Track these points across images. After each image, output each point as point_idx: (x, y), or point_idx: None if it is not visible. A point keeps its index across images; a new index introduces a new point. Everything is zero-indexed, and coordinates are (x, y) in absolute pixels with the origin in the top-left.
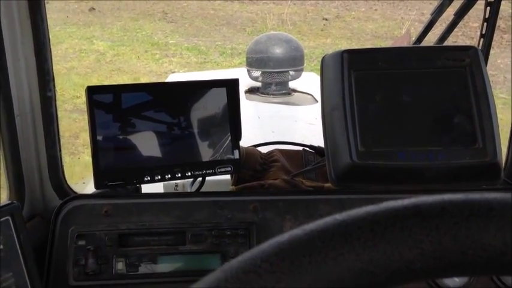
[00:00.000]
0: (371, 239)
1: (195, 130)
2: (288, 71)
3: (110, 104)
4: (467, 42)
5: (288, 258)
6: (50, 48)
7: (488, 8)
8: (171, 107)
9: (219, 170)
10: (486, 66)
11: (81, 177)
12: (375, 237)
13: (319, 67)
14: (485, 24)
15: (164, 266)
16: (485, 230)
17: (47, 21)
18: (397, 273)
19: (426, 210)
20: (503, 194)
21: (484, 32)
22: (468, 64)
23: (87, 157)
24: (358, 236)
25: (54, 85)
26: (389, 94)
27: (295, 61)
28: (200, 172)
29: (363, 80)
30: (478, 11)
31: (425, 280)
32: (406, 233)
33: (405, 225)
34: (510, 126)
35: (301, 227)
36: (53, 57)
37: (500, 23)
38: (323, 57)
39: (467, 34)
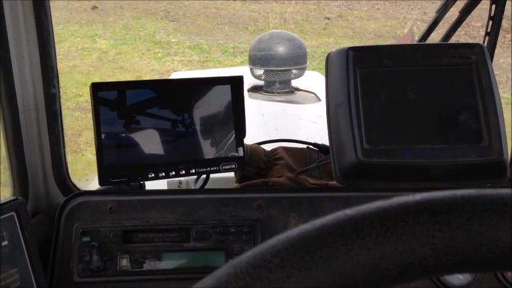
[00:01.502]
0: (382, 234)
1: (200, 127)
2: (291, 70)
3: (115, 101)
4: (471, 42)
5: (298, 253)
6: (54, 45)
7: (494, 6)
8: (175, 104)
9: (223, 167)
10: (492, 63)
11: (83, 175)
12: (386, 233)
13: (321, 66)
14: (490, 22)
15: (168, 263)
16: (498, 225)
17: (51, 18)
18: (409, 269)
19: (438, 206)
20: None
21: (489, 30)
22: (474, 61)
23: (89, 155)
24: (370, 231)
25: (58, 82)
26: (394, 91)
27: (298, 59)
28: (204, 169)
29: (368, 77)
30: (481, 11)
31: (434, 277)
32: (417, 228)
33: (417, 221)
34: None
35: (311, 222)
36: (56, 54)
37: (502, 22)
38: (328, 55)
39: (470, 34)
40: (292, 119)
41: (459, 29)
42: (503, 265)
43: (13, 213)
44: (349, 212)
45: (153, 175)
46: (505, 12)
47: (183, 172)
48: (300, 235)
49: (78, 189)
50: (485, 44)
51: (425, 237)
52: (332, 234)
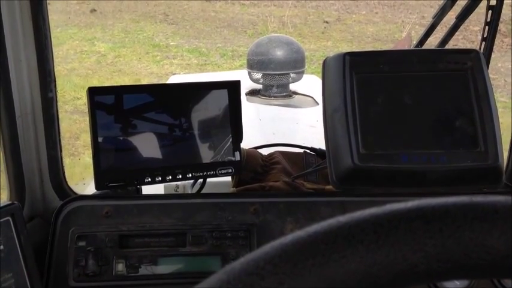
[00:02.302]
0: (374, 241)
1: (196, 131)
2: (289, 73)
3: (112, 105)
4: (468, 46)
5: (291, 260)
6: (52, 49)
7: (490, 12)
8: (172, 108)
9: (220, 172)
10: (488, 69)
11: (81, 179)
12: (378, 240)
13: (319, 70)
14: (486, 27)
15: (164, 268)
16: (489, 233)
17: (48, 22)
18: (401, 276)
19: (430, 213)
20: (507, 197)
21: (485, 35)
22: (470, 67)
23: (87, 158)
24: (362, 239)
25: (55, 86)
26: (391, 97)
27: (296, 63)
28: (201, 173)
29: (365, 82)
30: (478, 15)
31: (426, 284)
32: (409, 235)
33: (409, 228)
34: (511, 130)
35: (304, 229)
36: (54, 58)
37: (500, 26)
38: (325, 60)
39: (468, 38)
40: (289, 123)
41: (457, 33)
42: (494, 272)
43: (9, 217)
44: (342, 219)
45: (149, 179)
46: (503, 17)
47: (180, 176)
48: (293, 242)
49: (75, 193)
50: (482, 49)
51: (417, 244)
52: (324, 241)
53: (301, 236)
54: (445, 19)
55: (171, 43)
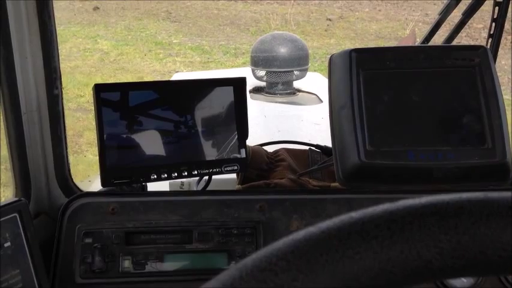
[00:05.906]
0: (388, 237)
1: (202, 129)
2: (293, 71)
3: (117, 102)
4: (471, 44)
5: (304, 256)
6: (57, 46)
7: (497, 8)
8: (178, 105)
9: (225, 169)
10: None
11: (85, 176)
12: (392, 236)
13: (322, 67)
14: (493, 24)
15: (171, 265)
16: (505, 229)
17: (54, 19)
18: (415, 273)
19: (444, 209)
20: None
21: (492, 32)
22: (477, 64)
23: (90, 156)
24: (375, 235)
25: (61, 83)
26: (397, 93)
27: (300, 60)
28: (207, 171)
29: (372, 79)
30: (482, 12)
31: (440, 280)
32: (424, 232)
33: (423, 224)
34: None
35: (316, 225)
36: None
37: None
38: (331, 56)
39: (471, 35)
40: (294, 121)
41: (461, 30)
42: (510, 269)
43: (16, 214)
44: (355, 215)
45: (155, 176)
46: (507, 15)
47: (186, 173)
48: (306, 238)
49: (81, 190)
50: (488, 46)
51: (432, 240)
52: (338, 237)
53: (314, 232)
54: (450, 16)
55: (174, 41)
